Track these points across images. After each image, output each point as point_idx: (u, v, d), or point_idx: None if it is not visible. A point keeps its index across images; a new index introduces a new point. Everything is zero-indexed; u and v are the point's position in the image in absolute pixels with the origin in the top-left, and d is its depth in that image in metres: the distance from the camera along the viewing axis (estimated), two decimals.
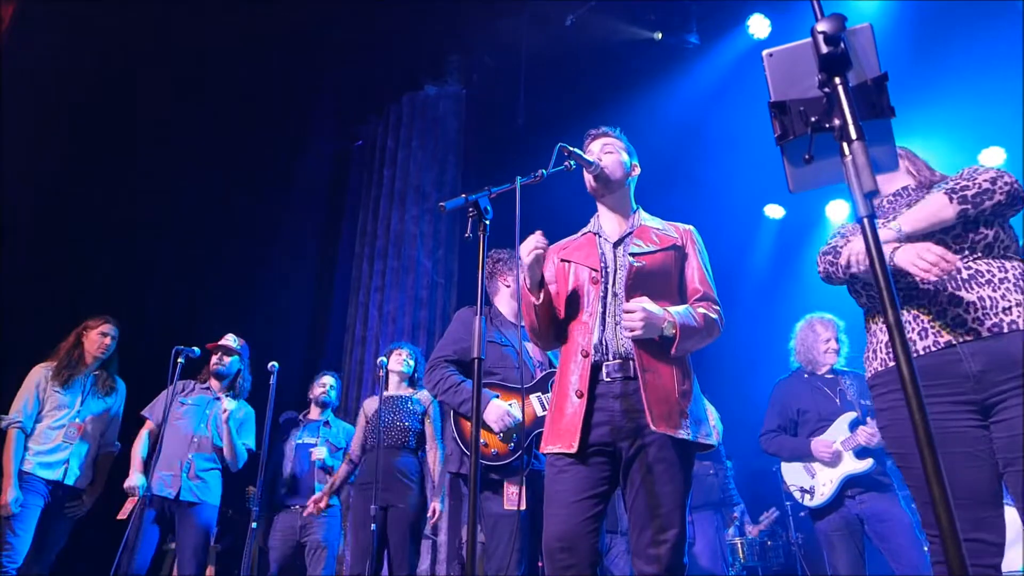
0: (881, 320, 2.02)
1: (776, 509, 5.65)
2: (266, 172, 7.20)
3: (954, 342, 1.84)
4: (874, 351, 2.06)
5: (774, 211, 7.48)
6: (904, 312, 1.95)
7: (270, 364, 4.01)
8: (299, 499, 4.22)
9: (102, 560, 3.69)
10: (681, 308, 2.11)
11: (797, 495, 3.72)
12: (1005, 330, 1.79)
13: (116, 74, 5.71)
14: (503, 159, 7.46)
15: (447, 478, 3.63)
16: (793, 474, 3.74)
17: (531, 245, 2.11)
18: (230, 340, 4.14)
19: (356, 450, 4.14)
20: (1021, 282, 1.83)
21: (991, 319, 1.81)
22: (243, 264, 6.78)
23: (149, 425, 3.96)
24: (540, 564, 3.16)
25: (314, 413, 4.50)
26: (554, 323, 2.23)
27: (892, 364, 1.95)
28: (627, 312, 2.03)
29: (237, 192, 6.75)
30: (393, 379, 4.17)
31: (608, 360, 2.09)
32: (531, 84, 6.97)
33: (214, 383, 4.11)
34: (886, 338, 1.99)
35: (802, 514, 5.54)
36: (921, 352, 1.89)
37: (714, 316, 2.15)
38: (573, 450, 2.03)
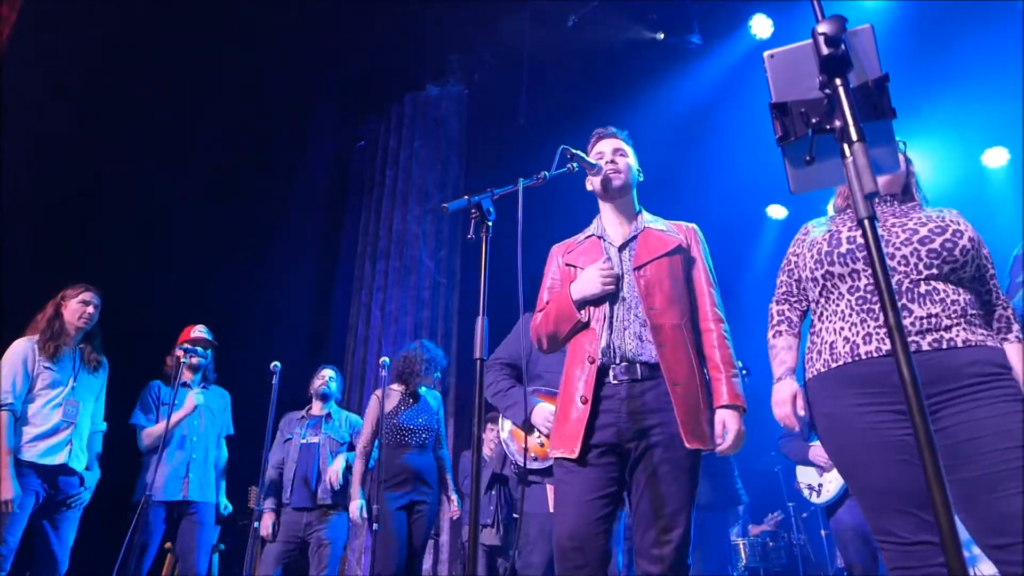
0: (828, 320, 1.99)
1: (781, 512, 5.66)
2: (268, 172, 7.21)
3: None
4: (818, 351, 1.99)
5: (777, 211, 7.47)
6: (852, 315, 1.92)
7: (273, 364, 4.01)
8: (305, 500, 4.14)
9: (96, 558, 3.67)
10: (728, 380, 2.11)
11: (805, 492, 3.80)
12: (944, 346, 1.80)
13: (116, 74, 5.72)
14: (505, 158, 7.47)
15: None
16: (804, 472, 3.84)
17: (610, 278, 2.12)
18: (202, 331, 3.99)
19: (368, 444, 4.02)
20: (969, 308, 1.85)
21: (933, 334, 1.81)
22: (244, 264, 6.78)
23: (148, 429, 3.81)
24: None
25: (316, 408, 4.44)
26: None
27: (836, 366, 1.90)
28: (725, 438, 2.06)
29: (239, 192, 6.75)
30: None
31: (615, 363, 2.08)
32: (533, 84, 6.97)
33: (188, 376, 3.94)
34: (832, 339, 1.94)
35: (804, 516, 5.55)
36: (863, 356, 1.86)
37: (727, 336, 2.18)
38: (574, 455, 2.03)
